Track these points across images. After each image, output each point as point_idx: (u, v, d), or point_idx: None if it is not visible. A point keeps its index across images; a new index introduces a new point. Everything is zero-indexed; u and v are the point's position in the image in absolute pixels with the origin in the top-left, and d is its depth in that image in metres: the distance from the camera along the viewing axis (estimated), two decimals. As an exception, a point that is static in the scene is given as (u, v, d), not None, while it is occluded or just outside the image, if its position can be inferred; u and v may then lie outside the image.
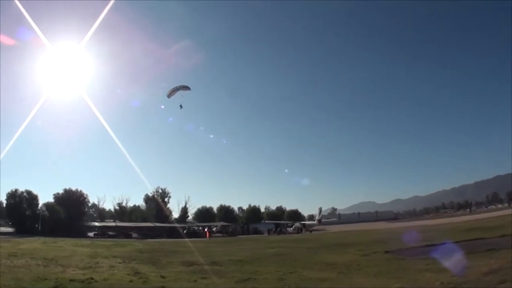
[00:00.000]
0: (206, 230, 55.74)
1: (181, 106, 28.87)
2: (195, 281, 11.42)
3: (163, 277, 12.13)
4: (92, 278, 11.34)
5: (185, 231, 59.34)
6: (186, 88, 28.47)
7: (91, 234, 56.79)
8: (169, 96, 28.49)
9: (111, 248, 26.76)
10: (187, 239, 39.14)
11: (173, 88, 28.32)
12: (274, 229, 64.42)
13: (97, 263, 15.98)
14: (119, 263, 16.52)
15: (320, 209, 78.16)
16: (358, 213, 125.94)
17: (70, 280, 11.01)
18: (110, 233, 57.88)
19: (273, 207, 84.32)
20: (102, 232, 58.25)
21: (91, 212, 73.42)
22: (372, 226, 61.63)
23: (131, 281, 11.23)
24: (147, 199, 67.53)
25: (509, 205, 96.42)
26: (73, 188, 63.06)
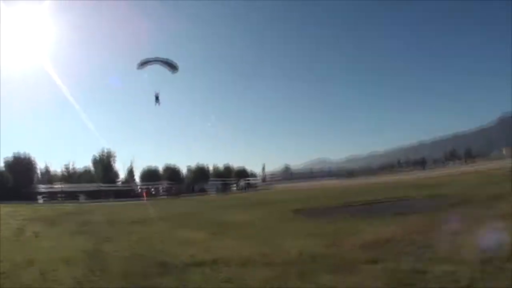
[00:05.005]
0: (144, 190, 54.37)
1: (157, 98, 21.12)
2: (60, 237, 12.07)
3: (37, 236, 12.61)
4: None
5: (131, 193, 60.16)
6: (172, 67, 20.29)
7: (41, 200, 57.02)
8: (141, 65, 20.07)
9: (39, 211, 25.82)
10: (123, 200, 40.63)
11: (152, 58, 20.32)
12: (220, 187, 62.86)
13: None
14: (22, 220, 17.30)
15: (264, 166, 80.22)
16: (311, 169, 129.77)
17: None
18: (59, 196, 58.48)
19: (222, 166, 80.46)
20: (51, 196, 58.70)
21: (40, 178, 72.92)
22: (319, 183, 61.19)
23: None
24: (95, 161, 67.94)
25: (466, 162, 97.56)
26: (21, 152, 61.97)
